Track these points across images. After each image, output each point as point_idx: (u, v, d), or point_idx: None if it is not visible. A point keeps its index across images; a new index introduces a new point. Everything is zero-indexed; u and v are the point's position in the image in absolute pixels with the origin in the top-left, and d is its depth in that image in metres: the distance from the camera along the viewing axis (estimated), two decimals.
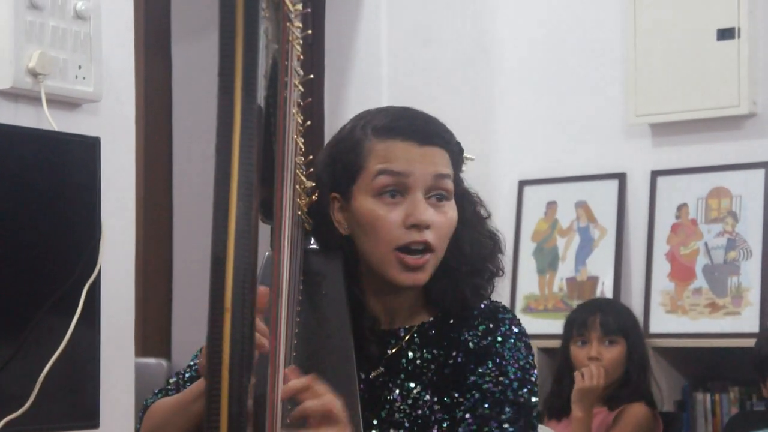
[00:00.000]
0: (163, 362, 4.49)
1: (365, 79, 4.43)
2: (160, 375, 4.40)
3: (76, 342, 2.51)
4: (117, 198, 2.72)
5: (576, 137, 4.22)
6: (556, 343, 3.82)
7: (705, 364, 3.93)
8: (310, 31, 1.62)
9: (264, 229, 1.51)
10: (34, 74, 2.53)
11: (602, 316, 3.67)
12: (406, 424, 1.80)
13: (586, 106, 4.21)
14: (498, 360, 1.81)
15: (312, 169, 1.82)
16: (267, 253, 1.83)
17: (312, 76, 1.68)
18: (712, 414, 3.83)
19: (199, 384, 1.72)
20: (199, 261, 3.80)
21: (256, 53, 1.20)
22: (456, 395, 1.81)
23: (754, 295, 3.79)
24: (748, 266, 3.83)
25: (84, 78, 2.63)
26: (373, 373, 1.84)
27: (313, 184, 1.83)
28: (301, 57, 1.62)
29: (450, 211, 1.82)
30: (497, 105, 4.38)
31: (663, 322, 3.93)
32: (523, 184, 4.28)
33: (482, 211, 1.91)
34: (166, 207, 4.99)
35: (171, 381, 1.90)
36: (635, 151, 4.11)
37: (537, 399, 1.82)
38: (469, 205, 1.88)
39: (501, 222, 2.77)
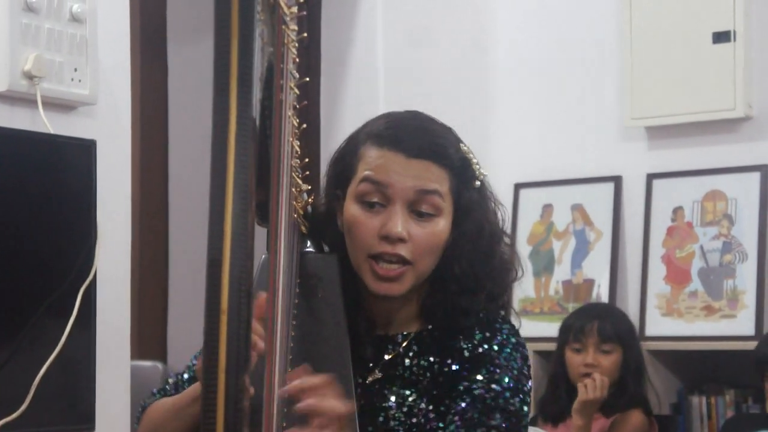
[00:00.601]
0: (159, 365, 4.49)
1: (361, 82, 4.43)
2: (155, 377, 4.40)
3: (72, 345, 2.51)
4: (113, 200, 2.72)
5: (572, 140, 4.22)
6: (551, 346, 3.82)
7: (701, 367, 3.93)
8: (305, 34, 1.62)
9: (260, 232, 1.51)
10: (29, 77, 2.53)
11: (599, 324, 3.66)
12: None
13: (582, 109, 4.21)
14: (492, 368, 1.80)
15: (308, 172, 1.82)
16: (263, 256, 1.83)
17: (308, 79, 1.68)
18: (708, 417, 3.84)
19: (196, 387, 1.72)
20: (195, 263, 3.80)
21: (252, 56, 1.20)
22: (446, 401, 1.80)
23: (749, 298, 3.80)
24: (743, 269, 3.83)
25: (80, 80, 2.63)
26: (370, 379, 1.84)
27: (309, 187, 1.83)
28: (297, 60, 1.62)
29: (434, 226, 1.79)
30: (493, 108, 4.38)
31: (659, 325, 3.93)
32: (518, 186, 4.29)
33: (491, 229, 1.86)
34: (161, 209, 4.99)
35: (170, 382, 1.90)
36: (631, 154, 4.11)
37: (528, 410, 1.82)
38: (470, 221, 1.83)
39: None
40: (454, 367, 1.81)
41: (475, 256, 1.83)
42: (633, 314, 3.91)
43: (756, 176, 3.86)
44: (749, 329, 3.74)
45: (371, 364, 1.85)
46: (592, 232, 4.14)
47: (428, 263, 1.81)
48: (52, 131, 2.56)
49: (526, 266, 4.16)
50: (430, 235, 1.79)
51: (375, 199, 1.79)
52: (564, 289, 4.16)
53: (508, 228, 1.94)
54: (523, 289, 4.20)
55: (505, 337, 1.84)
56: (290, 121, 1.64)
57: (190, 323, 4.41)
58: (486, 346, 1.82)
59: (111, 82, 2.74)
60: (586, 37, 4.21)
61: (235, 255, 1.16)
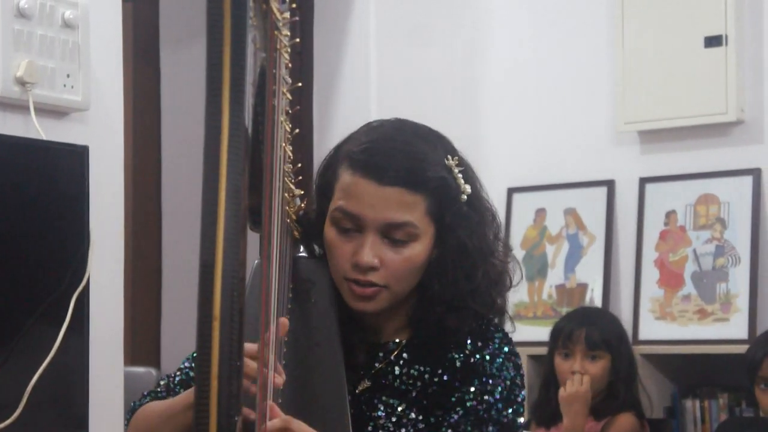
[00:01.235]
0: (152, 371, 4.48)
1: (354, 87, 4.43)
2: (149, 384, 4.39)
3: (65, 351, 2.50)
4: (105, 207, 2.71)
5: (565, 144, 4.23)
6: (545, 351, 3.82)
7: (694, 371, 3.94)
8: (298, 40, 1.62)
9: (253, 237, 1.51)
10: (22, 83, 2.52)
11: (587, 331, 3.65)
12: None
13: (575, 114, 4.22)
14: (484, 378, 1.79)
15: (300, 177, 1.82)
16: (256, 261, 1.83)
17: (300, 84, 1.68)
18: (702, 420, 3.84)
19: (189, 394, 1.71)
20: (188, 269, 3.80)
21: (244, 61, 1.20)
22: (437, 413, 1.79)
23: (742, 302, 3.80)
24: (736, 273, 3.83)
25: (72, 87, 2.63)
26: (360, 388, 1.83)
27: (302, 192, 1.83)
28: (290, 65, 1.62)
29: (410, 251, 1.77)
30: (486, 112, 4.38)
31: (652, 329, 3.94)
32: (511, 191, 4.29)
33: (477, 244, 1.82)
34: (154, 215, 4.99)
35: (161, 384, 1.89)
36: (624, 158, 4.11)
37: (522, 420, 1.82)
38: (454, 238, 1.81)
39: None
40: (445, 378, 1.80)
41: (458, 274, 1.81)
42: (626, 318, 3.91)
43: (748, 180, 3.87)
44: (742, 333, 3.74)
45: (361, 373, 1.84)
46: (585, 236, 4.15)
47: (405, 284, 1.80)
48: (44, 137, 2.55)
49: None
50: (404, 260, 1.77)
51: (348, 226, 1.78)
52: (557, 293, 4.16)
53: (502, 233, 1.92)
54: (517, 293, 4.20)
55: (497, 346, 1.82)
56: (283, 126, 1.64)
57: (183, 329, 4.40)
58: (478, 356, 1.81)
59: (103, 88, 2.73)
60: (578, 41, 4.22)
61: (228, 260, 1.16)
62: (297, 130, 1.76)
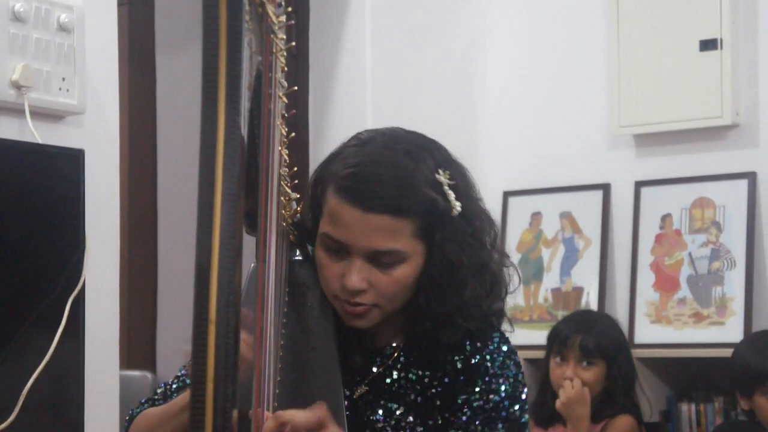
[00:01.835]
0: (148, 375, 4.48)
1: (350, 91, 4.43)
2: (144, 387, 4.39)
3: (61, 355, 2.50)
4: (101, 210, 2.71)
5: (560, 148, 4.23)
6: (541, 354, 3.82)
7: (690, 374, 3.94)
8: (294, 43, 1.62)
9: (249, 241, 1.51)
10: (17, 86, 2.52)
11: (583, 338, 3.63)
12: None
13: (570, 117, 4.22)
14: (488, 378, 1.79)
15: (296, 181, 1.82)
16: (252, 265, 1.83)
17: (296, 87, 1.68)
18: (697, 424, 3.84)
19: (185, 396, 1.71)
20: (184, 273, 3.80)
21: (240, 65, 1.20)
22: (444, 416, 1.79)
23: (738, 305, 3.80)
24: (732, 276, 3.84)
25: (68, 90, 2.63)
26: (357, 392, 1.83)
27: (298, 196, 1.83)
28: (286, 69, 1.62)
29: (398, 271, 1.76)
30: (482, 116, 4.38)
31: (647, 333, 3.94)
32: (507, 194, 4.29)
33: (468, 260, 1.80)
34: (150, 219, 4.98)
35: (158, 391, 1.89)
36: (619, 161, 4.11)
37: (528, 417, 1.82)
38: (443, 255, 1.79)
39: None
40: (446, 381, 1.81)
41: (446, 290, 1.79)
42: (622, 322, 3.91)
43: (743, 183, 3.87)
44: (738, 336, 3.74)
45: (358, 378, 1.84)
46: (580, 239, 4.15)
47: (396, 302, 1.79)
48: (40, 141, 2.55)
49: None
50: (393, 281, 1.77)
51: (336, 248, 1.77)
52: (553, 296, 4.16)
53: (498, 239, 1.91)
54: (513, 296, 4.19)
55: (496, 345, 1.83)
56: (279, 129, 1.64)
57: (179, 333, 4.40)
58: (478, 357, 1.81)
59: (99, 92, 2.73)
60: (574, 45, 4.22)
61: (224, 264, 1.16)
62: (293, 134, 1.76)
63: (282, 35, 1.55)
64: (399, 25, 4.44)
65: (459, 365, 1.81)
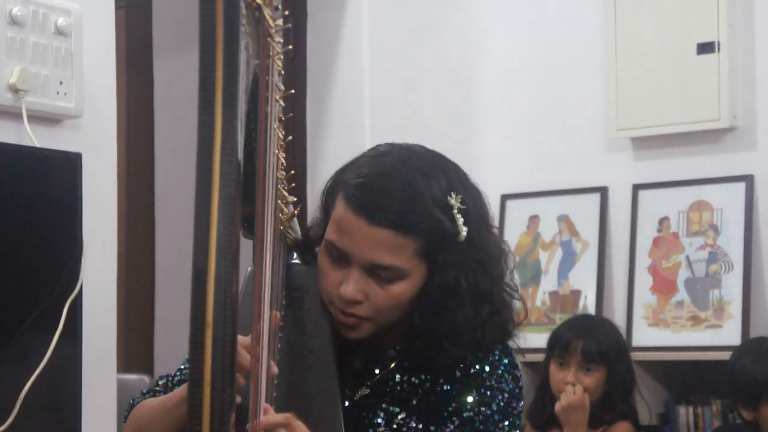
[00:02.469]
0: (146, 378, 4.47)
1: (347, 94, 4.43)
2: (143, 389, 4.38)
3: (58, 358, 2.50)
4: (99, 214, 2.71)
5: (558, 151, 4.23)
6: (538, 357, 3.82)
7: (687, 377, 3.94)
8: (291, 47, 1.62)
9: (246, 244, 1.51)
10: (15, 90, 2.52)
11: (585, 343, 3.62)
12: None
13: (568, 121, 4.22)
14: (482, 390, 1.80)
15: (294, 184, 1.83)
16: (249, 268, 1.83)
17: (293, 91, 1.69)
18: (695, 427, 3.84)
19: (185, 388, 1.71)
20: (181, 276, 3.79)
21: (237, 68, 1.20)
22: (438, 423, 1.79)
23: (735, 308, 3.80)
24: (729, 279, 3.84)
25: (65, 94, 2.63)
26: (359, 394, 1.84)
27: (295, 199, 1.83)
28: (283, 72, 1.62)
29: (396, 288, 1.76)
30: (479, 119, 4.39)
31: (645, 336, 3.94)
32: (505, 198, 4.29)
33: (470, 285, 1.79)
34: (148, 222, 4.98)
35: (160, 383, 1.90)
36: (617, 164, 4.12)
37: (518, 427, 1.82)
38: (444, 278, 1.78)
39: None
40: (446, 387, 1.81)
41: (441, 314, 1.78)
42: (619, 325, 3.91)
43: (741, 186, 3.87)
44: (735, 339, 3.74)
45: (360, 380, 1.84)
46: (578, 243, 4.15)
47: (389, 317, 1.79)
48: (37, 145, 2.55)
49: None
50: (390, 297, 1.77)
51: (338, 256, 1.78)
52: (551, 300, 4.16)
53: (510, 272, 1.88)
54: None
55: (497, 358, 1.83)
56: (276, 133, 1.64)
57: (176, 336, 4.39)
58: (477, 367, 1.81)
59: (96, 95, 2.73)
60: (571, 48, 4.22)
61: (221, 267, 1.16)
62: (290, 137, 1.76)
63: (279, 38, 1.55)
64: (396, 28, 4.45)
65: (458, 374, 1.81)
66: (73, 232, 2.58)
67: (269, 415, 1.57)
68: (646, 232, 4.01)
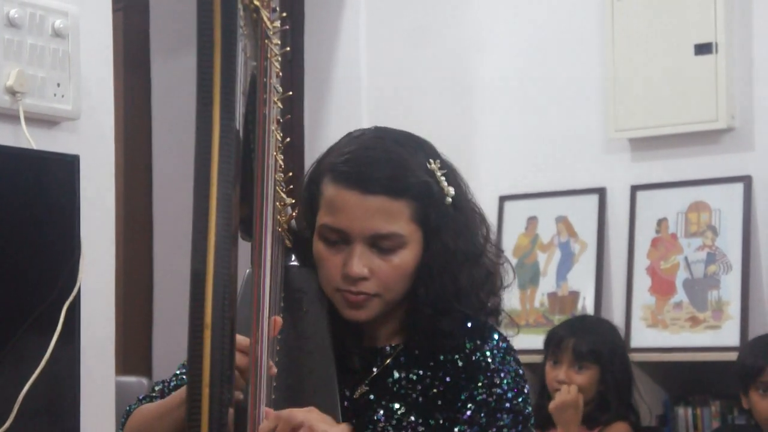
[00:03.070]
0: (144, 380, 4.47)
1: (345, 95, 4.43)
2: (140, 393, 4.37)
3: (56, 361, 2.50)
4: (96, 216, 2.71)
5: (556, 152, 4.23)
6: (537, 358, 3.82)
7: (686, 378, 3.94)
8: (288, 48, 1.62)
9: (244, 246, 1.51)
10: (12, 92, 2.52)
11: (576, 341, 3.63)
12: None
13: (566, 122, 4.22)
14: (489, 373, 1.81)
15: (292, 186, 1.83)
16: (247, 270, 1.83)
17: (291, 92, 1.69)
18: (694, 428, 3.84)
19: (183, 391, 1.71)
20: (179, 278, 3.79)
21: (235, 70, 1.20)
22: (448, 414, 1.80)
23: (734, 309, 3.80)
24: (728, 280, 3.84)
25: (63, 96, 2.62)
26: (358, 392, 1.84)
27: (293, 201, 1.83)
28: (280, 74, 1.62)
29: (398, 258, 1.79)
30: (477, 120, 4.39)
31: (644, 337, 3.94)
32: (503, 199, 4.29)
33: (464, 247, 1.84)
34: (146, 224, 4.98)
35: (156, 389, 1.90)
36: (615, 166, 4.12)
37: (531, 410, 1.83)
38: (439, 242, 1.82)
39: None
40: (448, 380, 1.82)
41: (444, 277, 1.82)
42: (618, 326, 3.91)
43: (739, 187, 3.87)
44: (734, 340, 3.74)
45: (358, 378, 1.84)
46: (576, 244, 4.15)
47: (396, 291, 1.81)
48: (35, 147, 2.55)
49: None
50: (394, 268, 1.79)
51: (336, 239, 1.79)
52: (549, 301, 4.16)
53: (492, 234, 1.93)
54: (509, 301, 4.19)
55: (495, 342, 1.85)
56: (274, 135, 1.64)
57: (175, 338, 4.39)
58: (479, 354, 1.83)
59: (94, 97, 2.73)
60: (569, 49, 4.22)
61: (219, 269, 1.16)
62: (288, 139, 1.76)
63: (276, 40, 1.55)
64: (394, 29, 4.45)
65: (460, 363, 1.82)
66: (70, 235, 2.57)
67: (262, 424, 1.58)
68: (645, 233, 4.01)
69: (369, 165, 1.79)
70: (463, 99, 4.40)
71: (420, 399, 1.81)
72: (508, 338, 1.89)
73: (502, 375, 1.81)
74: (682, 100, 3.91)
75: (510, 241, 4.24)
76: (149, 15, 4.99)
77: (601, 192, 4.13)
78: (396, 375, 1.84)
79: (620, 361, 3.68)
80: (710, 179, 3.92)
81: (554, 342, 3.69)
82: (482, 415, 1.78)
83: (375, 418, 1.81)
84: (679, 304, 3.91)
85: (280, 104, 1.66)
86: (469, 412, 1.79)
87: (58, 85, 2.61)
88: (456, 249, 1.83)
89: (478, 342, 1.83)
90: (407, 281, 1.81)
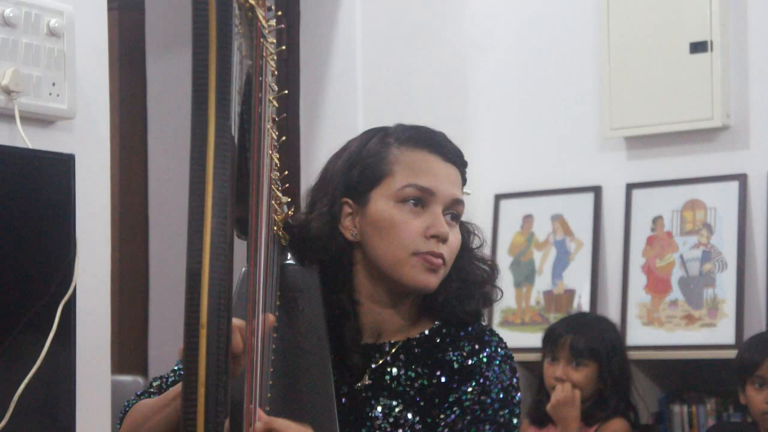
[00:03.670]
0: (140, 379, 4.47)
1: (341, 95, 4.43)
2: (137, 391, 4.37)
3: (52, 360, 2.50)
4: (92, 215, 2.71)
5: (551, 151, 4.23)
6: (533, 357, 3.83)
7: (681, 376, 3.94)
8: (284, 47, 1.62)
9: (240, 245, 1.51)
10: (7, 92, 2.52)
11: (573, 338, 3.64)
12: None
13: (561, 120, 4.22)
14: (482, 380, 1.81)
15: (287, 185, 1.82)
16: (243, 269, 1.83)
17: (287, 91, 1.68)
18: (690, 425, 3.84)
19: (180, 385, 1.71)
20: (175, 278, 3.79)
21: (230, 69, 1.20)
22: (437, 414, 1.80)
23: (729, 307, 3.81)
24: (723, 278, 3.84)
25: (58, 95, 2.62)
26: (359, 384, 1.84)
27: (289, 199, 1.83)
28: (276, 72, 1.62)
29: (457, 233, 1.87)
30: (473, 119, 4.39)
31: (639, 335, 3.94)
32: (499, 197, 4.29)
33: (475, 240, 1.94)
34: (141, 223, 4.98)
35: (154, 384, 1.90)
36: (610, 164, 4.12)
37: (518, 421, 1.83)
38: (465, 231, 1.92)
39: None
40: (443, 379, 1.82)
41: (477, 262, 1.92)
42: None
43: (734, 185, 3.87)
44: (729, 338, 3.75)
45: (358, 374, 1.85)
46: (572, 242, 4.15)
47: (450, 265, 1.87)
48: (30, 146, 2.55)
49: (508, 277, 4.19)
50: (457, 239, 1.86)
51: (420, 197, 1.83)
52: (545, 299, 4.16)
53: (487, 238, 2.01)
54: (504, 299, 4.20)
55: (494, 349, 1.85)
56: (269, 133, 1.64)
57: (170, 337, 4.39)
58: (475, 359, 1.83)
59: (89, 96, 2.73)
60: (564, 48, 4.22)
61: (214, 268, 1.16)
62: (284, 138, 1.76)
63: (272, 39, 1.55)
64: (390, 28, 4.44)
65: (455, 365, 1.83)
66: (66, 234, 2.57)
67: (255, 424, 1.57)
68: (640, 231, 4.02)
69: (440, 137, 1.91)
70: (459, 97, 4.40)
71: (417, 397, 1.82)
72: (506, 344, 1.89)
73: (494, 384, 1.82)
74: (677, 98, 3.91)
75: (506, 240, 4.24)
76: (144, 14, 4.98)
77: (596, 190, 4.13)
78: (394, 372, 1.84)
79: (618, 358, 3.69)
80: (705, 177, 3.93)
81: (552, 339, 3.70)
82: (466, 421, 1.78)
83: (372, 414, 1.82)
84: (674, 302, 3.91)
85: (275, 103, 1.66)
86: (453, 416, 1.79)
87: (54, 84, 2.61)
88: (468, 241, 1.92)
89: (477, 346, 1.84)
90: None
